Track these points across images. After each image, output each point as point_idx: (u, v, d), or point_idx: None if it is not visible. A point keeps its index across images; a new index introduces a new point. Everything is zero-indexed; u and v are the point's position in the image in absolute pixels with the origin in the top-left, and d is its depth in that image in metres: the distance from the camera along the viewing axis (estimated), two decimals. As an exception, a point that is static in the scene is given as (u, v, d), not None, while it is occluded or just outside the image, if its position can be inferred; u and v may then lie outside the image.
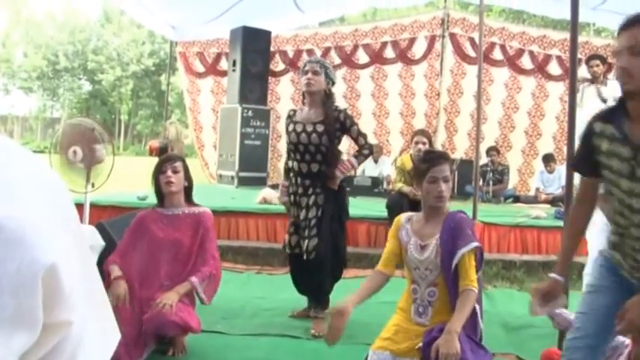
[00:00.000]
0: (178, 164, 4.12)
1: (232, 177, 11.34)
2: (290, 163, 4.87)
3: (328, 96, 4.69)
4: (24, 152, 0.80)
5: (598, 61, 8.20)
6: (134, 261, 4.06)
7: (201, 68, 13.22)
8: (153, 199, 4.44)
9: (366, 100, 12.84)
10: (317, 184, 4.70)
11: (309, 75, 4.60)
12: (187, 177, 4.17)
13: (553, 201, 9.99)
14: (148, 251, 4.07)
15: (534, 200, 10.51)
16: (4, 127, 55.87)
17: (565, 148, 9.17)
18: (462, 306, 3.12)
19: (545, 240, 7.30)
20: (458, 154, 12.16)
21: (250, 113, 11.44)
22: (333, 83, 4.75)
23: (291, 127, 4.75)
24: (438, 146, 12.45)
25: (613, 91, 7.93)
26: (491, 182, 10.83)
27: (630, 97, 2.38)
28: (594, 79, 8.22)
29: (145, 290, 3.96)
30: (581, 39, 12.17)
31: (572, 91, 3.97)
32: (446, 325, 3.04)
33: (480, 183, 10.85)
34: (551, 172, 10.81)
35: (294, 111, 4.90)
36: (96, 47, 51.88)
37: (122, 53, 51.39)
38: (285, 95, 13.00)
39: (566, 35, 12.02)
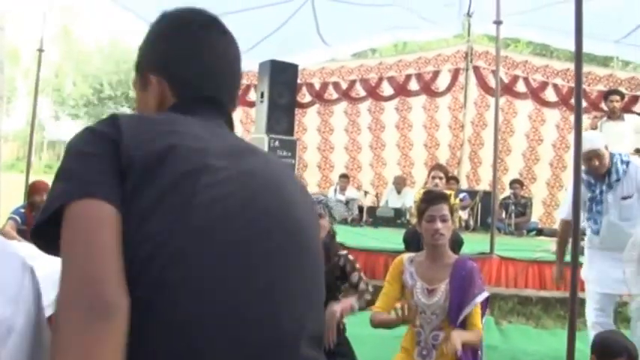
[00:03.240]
0: None
1: (258, 206, 11.26)
2: None
3: (332, 237, 3.95)
4: None
5: (617, 97, 7.99)
6: None
7: (230, 99, 13.22)
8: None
9: (390, 131, 12.76)
10: None
11: None
12: None
13: (576, 234, 9.67)
14: None
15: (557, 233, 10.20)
16: (53, 151, 57.00)
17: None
18: (469, 332, 3.18)
19: (564, 276, 7.04)
20: (482, 186, 11.97)
21: (277, 143, 11.39)
22: (335, 220, 3.99)
23: None
24: (462, 178, 12.31)
25: (631, 125, 7.74)
26: (513, 215, 10.59)
27: None
28: (612, 114, 8.01)
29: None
30: (605, 71, 12.03)
31: (578, 123, 3.79)
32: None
33: (503, 215, 10.66)
34: (574, 204, 10.51)
35: None
36: (138, 77, 52.72)
37: (162, 82, 52.15)
38: (311, 126, 12.97)
39: (590, 69, 11.93)
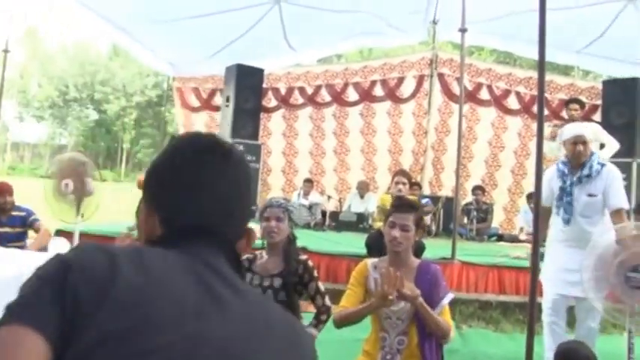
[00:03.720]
0: None
1: (223, 210, 11.24)
2: None
3: (291, 242, 3.89)
4: None
5: (577, 105, 8.09)
6: None
7: (196, 103, 13.14)
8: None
9: (355, 136, 12.76)
10: None
11: (272, 223, 3.79)
12: None
13: (536, 240, 9.74)
14: None
15: (517, 239, 10.31)
16: (17, 153, 56.24)
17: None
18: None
19: (523, 281, 7.05)
20: (445, 192, 12.03)
21: (242, 148, 11.32)
22: (296, 224, 3.99)
23: (248, 278, 3.87)
24: (425, 184, 12.35)
25: (590, 133, 7.81)
26: (475, 220, 10.67)
27: None
28: (571, 123, 8.07)
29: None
30: (566, 80, 12.19)
31: (540, 131, 3.86)
32: None
33: (465, 221, 10.74)
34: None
35: (254, 256, 3.96)
36: (103, 79, 52.13)
37: (127, 85, 51.69)
38: (276, 131, 12.92)
39: (552, 77, 12.07)
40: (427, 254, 6.47)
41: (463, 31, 8.13)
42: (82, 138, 54.19)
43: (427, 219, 10.50)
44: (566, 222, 4.80)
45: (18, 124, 53.92)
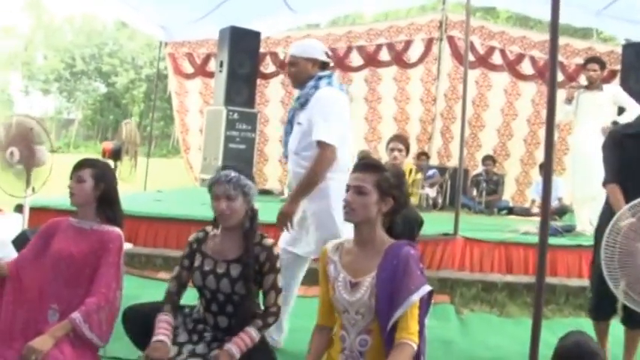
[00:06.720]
0: (84, 172, 3.35)
1: (215, 181, 10.75)
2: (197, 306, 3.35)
3: (251, 222, 3.16)
4: None
5: (596, 65, 7.32)
6: (30, 273, 3.35)
7: (189, 69, 12.54)
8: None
9: (358, 103, 12.13)
10: (223, 339, 3.12)
11: (223, 204, 3.08)
12: (102, 187, 3.41)
13: (549, 214, 9.19)
14: (43, 264, 3.35)
15: (528, 212, 9.72)
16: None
17: (565, 158, 8.51)
18: (392, 355, 2.46)
19: (532, 259, 6.41)
20: (454, 162, 11.39)
21: (236, 116, 10.82)
22: (251, 199, 3.19)
23: (197, 261, 3.21)
24: (433, 153, 11.81)
25: (610, 97, 7.15)
26: (484, 192, 10.10)
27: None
28: (590, 85, 7.36)
29: (30, 312, 3.25)
30: (583, 44, 11.55)
31: (552, 96, 3.21)
32: None
33: (474, 193, 10.23)
34: (548, 182, 10.01)
35: (206, 234, 3.29)
36: (111, 51, 51.70)
37: (136, 57, 51.27)
38: (274, 98, 12.33)
39: (567, 40, 11.42)
40: (428, 229, 5.89)
41: (466, -18, 7.59)
42: (90, 112, 53.88)
43: (433, 191, 9.95)
44: (285, 155, 4.21)
45: (23, 98, 53.58)
